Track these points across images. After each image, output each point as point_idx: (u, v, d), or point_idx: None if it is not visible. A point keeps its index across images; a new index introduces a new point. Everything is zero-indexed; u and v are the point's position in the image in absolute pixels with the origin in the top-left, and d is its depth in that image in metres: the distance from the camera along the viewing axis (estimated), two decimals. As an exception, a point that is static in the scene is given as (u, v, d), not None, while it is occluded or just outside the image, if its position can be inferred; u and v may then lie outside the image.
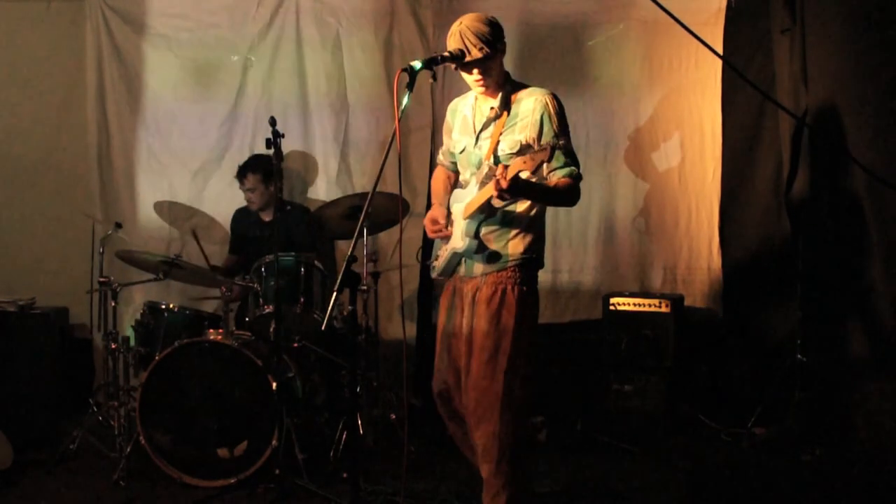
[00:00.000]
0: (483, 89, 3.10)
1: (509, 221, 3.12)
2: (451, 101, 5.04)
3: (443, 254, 3.23)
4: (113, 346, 4.25)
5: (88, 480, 3.96)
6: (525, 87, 3.15)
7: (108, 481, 3.88)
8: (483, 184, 3.05)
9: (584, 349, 4.92)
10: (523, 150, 3.02)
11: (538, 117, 3.04)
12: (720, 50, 4.59)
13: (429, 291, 5.16)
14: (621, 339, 4.68)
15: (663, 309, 4.66)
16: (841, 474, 3.93)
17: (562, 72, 4.97)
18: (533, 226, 3.15)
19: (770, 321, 4.81)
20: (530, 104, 3.06)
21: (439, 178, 3.44)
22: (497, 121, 3.11)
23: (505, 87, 3.12)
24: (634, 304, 4.72)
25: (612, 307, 4.76)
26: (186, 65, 5.15)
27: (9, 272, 5.10)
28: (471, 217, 3.09)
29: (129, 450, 3.91)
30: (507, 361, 3.04)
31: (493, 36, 2.98)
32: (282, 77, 5.16)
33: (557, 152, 2.99)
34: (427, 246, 5.13)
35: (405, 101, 2.80)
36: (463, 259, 3.17)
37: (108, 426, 4.32)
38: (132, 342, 4.24)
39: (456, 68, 3.06)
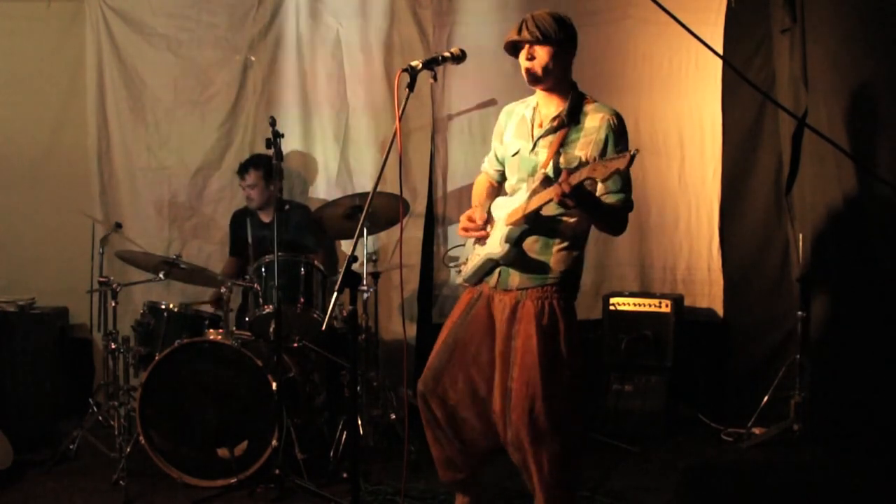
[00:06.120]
0: (530, 78, 2.96)
1: (555, 235, 2.95)
2: (451, 101, 5.16)
3: (473, 259, 3.05)
4: (113, 346, 4.25)
5: (88, 480, 3.96)
6: (592, 101, 2.99)
7: (108, 481, 3.87)
8: (535, 192, 2.86)
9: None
10: (579, 168, 2.85)
11: (603, 136, 2.88)
12: (720, 50, 4.59)
13: (429, 291, 5.16)
14: (621, 339, 4.68)
15: (663, 309, 4.66)
16: (841, 474, 3.93)
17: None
18: (577, 244, 2.99)
19: (770, 321, 4.82)
20: (596, 122, 2.91)
21: (482, 183, 3.28)
22: (560, 130, 2.94)
23: (571, 97, 2.97)
24: (634, 304, 4.72)
25: (612, 307, 4.76)
26: (186, 65, 5.16)
27: (9, 272, 5.10)
28: (514, 224, 2.92)
29: (129, 450, 3.90)
30: (569, 379, 2.90)
31: (555, 30, 2.88)
32: (282, 77, 5.16)
33: (616, 175, 2.79)
34: (428, 246, 5.16)
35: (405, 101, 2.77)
36: (498, 269, 2.99)
37: (108, 426, 4.33)
38: (132, 342, 4.25)
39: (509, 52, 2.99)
